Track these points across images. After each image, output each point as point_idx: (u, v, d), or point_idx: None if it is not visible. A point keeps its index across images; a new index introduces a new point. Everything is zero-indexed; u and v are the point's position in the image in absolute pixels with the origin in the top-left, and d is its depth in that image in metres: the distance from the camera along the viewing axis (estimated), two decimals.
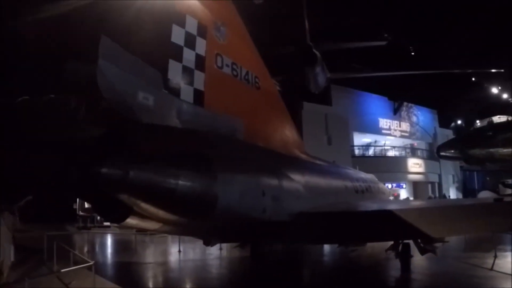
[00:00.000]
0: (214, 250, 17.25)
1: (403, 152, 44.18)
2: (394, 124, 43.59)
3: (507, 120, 26.00)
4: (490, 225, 7.89)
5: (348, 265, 13.99)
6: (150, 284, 11.27)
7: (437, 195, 41.35)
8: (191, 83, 6.99)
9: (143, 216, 5.54)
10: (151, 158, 5.24)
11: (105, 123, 5.67)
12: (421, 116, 45.80)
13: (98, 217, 30.24)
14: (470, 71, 27.10)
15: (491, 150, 25.22)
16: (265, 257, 13.79)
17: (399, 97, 43.63)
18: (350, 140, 39.36)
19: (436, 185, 43.55)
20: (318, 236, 8.27)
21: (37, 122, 6.21)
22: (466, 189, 43.59)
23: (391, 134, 43.30)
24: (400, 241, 11.90)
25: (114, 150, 5.01)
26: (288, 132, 10.79)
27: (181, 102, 6.56)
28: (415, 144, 45.63)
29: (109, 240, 23.20)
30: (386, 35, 28.18)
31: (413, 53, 30.57)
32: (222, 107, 7.72)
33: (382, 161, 39.39)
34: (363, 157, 39.62)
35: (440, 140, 42.48)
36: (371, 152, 43.66)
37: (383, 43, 25.29)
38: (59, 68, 5.51)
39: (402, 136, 44.30)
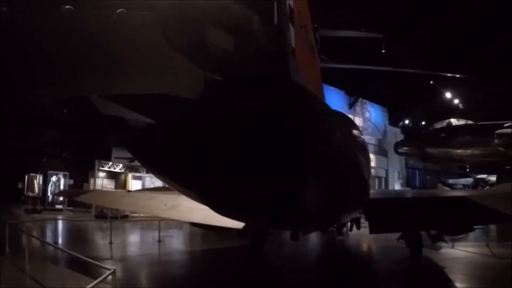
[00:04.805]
0: (198, 239, 16.19)
1: None
2: None
3: (466, 123, 27.76)
4: None
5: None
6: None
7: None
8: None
9: None
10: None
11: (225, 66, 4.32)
12: (373, 112, 47.62)
13: (50, 198, 26.64)
14: (441, 74, 28.29)
15: (450, 150, 26.82)
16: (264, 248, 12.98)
17: (355, 92, 44.87)
18: None
19: (383, 180, 45.76)
20: (392, 224, 7.82)
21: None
22: (409, 185, 46.34)
23: None
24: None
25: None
26: None
27: (293, 58, 5.60)
28: (366, 139, 47.19)
29: (79, 228, 20.43)
30: (362, 30, 28.36)
31: (383, 51, 31.21)
32: (303, 71, 6.89)
33: None
34: None
35: (389, 137, 44.65)
36: None
37: (380, 35, 25.44)
38: None
39: None
